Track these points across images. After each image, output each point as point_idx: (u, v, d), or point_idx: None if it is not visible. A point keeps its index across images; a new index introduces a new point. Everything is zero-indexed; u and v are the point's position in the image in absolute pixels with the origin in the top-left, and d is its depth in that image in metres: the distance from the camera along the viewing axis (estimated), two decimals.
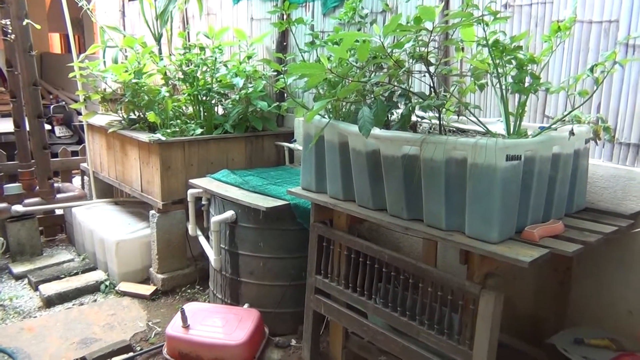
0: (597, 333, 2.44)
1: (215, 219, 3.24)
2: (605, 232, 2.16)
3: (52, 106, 8.55)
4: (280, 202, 3.04)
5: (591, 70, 1.99)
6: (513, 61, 2.12)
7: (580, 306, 2.63)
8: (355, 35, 1.96)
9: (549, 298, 2.65)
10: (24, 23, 4.14)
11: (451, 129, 2.64)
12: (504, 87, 2.15)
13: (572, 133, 2.09)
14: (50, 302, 3.70)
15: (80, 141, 7.10)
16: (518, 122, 2.20)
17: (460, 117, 2.60)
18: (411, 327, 2.31)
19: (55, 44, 13.20)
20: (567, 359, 2.33)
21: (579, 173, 2.35)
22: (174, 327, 3.00)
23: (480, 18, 1.98)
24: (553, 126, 2.26)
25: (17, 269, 4.19)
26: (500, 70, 2.13)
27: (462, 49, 2.51)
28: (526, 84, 2.13)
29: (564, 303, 2.63)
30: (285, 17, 2.81)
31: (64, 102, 9.05)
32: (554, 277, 2.60)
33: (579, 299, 2.63)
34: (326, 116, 2.56)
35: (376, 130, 2.19)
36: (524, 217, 2.11)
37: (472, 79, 2.27)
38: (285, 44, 4.19)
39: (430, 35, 1.98)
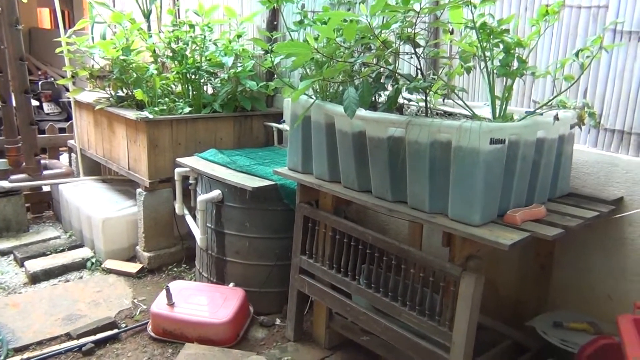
0: (577, 317, 2.48)
1: (201, 198, 3.23)
2: (587, 217, 2.18)
3: (40, 82, 8.41)
4: (266, 182, 3.04)
5: (577, 55, 1.99)
6: (500, 44, 2.11)
7: (561, 290, 2.66)
8: (342, 15, 1.95)
9: (531, 282, 2.68)
10: None
11: (438, 112, 2.64)
12: (490, 70, 2.15)
13: (556, 118, 2.10)
14: (35, 278, 3.70)
15: (69, 118, 7.00)
16: (504, 106, 2.20)
17: (448, 101, 2.60)
18: (393, 308, 2.34)
19: (44, 19, 12.98)
20: (546, 341, 2.38)
21: (563, 158, 2.37)
22: (159, 305, 3.02)
23: (468, 0, 1.96)
24: (539, 111, 2.26)
25: (3, 244, 4.17)
26: (487, 54, 2.13)
27: (452, 31, 2.50)
28: (513, 68, 2.13)
29: (546, 287, 2.66)
30: None
31: (52, 78, 8.91)
32: (536, 261, 2.63)
33: (560, 283, 2.66)
34: (314, 97, 2.55)
35: (362, 112, 2.19)
36: (507, 201, 2.12)
37: (460, 61, 2.26)
38: (275, 23, 4.15)
39: (417, 17, 1.97)
